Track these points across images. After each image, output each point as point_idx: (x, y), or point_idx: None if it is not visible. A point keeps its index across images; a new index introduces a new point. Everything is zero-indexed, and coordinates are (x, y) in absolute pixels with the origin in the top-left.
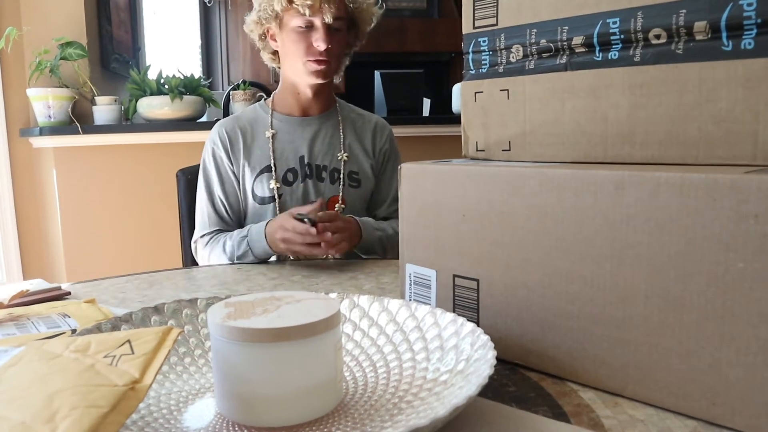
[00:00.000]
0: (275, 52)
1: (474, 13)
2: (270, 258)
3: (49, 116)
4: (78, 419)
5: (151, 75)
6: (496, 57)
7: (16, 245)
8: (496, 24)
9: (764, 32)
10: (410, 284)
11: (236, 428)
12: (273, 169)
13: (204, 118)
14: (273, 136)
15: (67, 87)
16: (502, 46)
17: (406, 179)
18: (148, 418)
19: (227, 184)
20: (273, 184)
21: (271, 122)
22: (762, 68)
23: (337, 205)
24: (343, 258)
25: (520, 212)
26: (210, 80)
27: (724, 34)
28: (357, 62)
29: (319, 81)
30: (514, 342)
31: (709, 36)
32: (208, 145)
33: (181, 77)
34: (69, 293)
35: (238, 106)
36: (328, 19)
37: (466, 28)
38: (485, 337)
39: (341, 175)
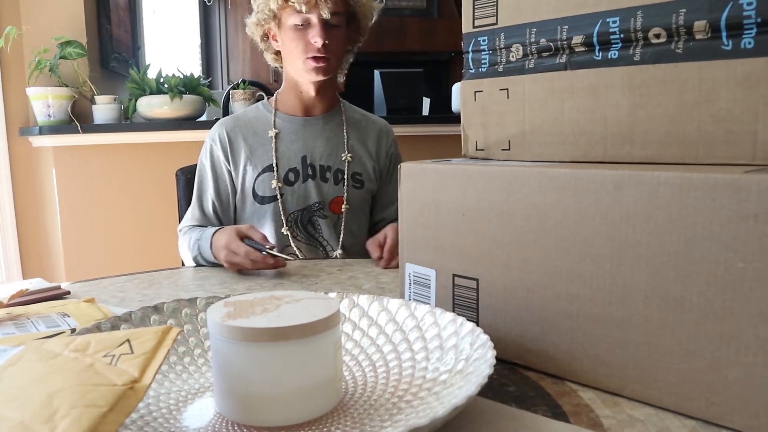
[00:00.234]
0: (278, 52)
1: (474, 13)
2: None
3: (49, 115)
4: (77, 419)
5: (151, 74)
6: (496, 56)
7: (16, 244)
8: (496, 23)
9: (764, 32)
10: (410, 284)
11: (235, 428)
12: (275, 168)
13: (203, 118)
14: (276, 135)
15: (66, 86)
16: (502, 46)
17: (405, 179)
18: (147, 418)
19: (221, 182)
20: (275, 184)
21: (274, 122)
22: (762, 68)
23: (343, 207)
24: (342, 257)
25: (520, 212)
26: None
27: (723, 34)
28: (357, 62)
29: (320, 78)
30: (513, 341)
31: (709, 35)
32: (207, 142)
33: (181, 76)
34: (68, 292)
35: (238, 105)
36: (326, 15)
37: (466, 27)
38: (485, 337)
39: (345, 176)
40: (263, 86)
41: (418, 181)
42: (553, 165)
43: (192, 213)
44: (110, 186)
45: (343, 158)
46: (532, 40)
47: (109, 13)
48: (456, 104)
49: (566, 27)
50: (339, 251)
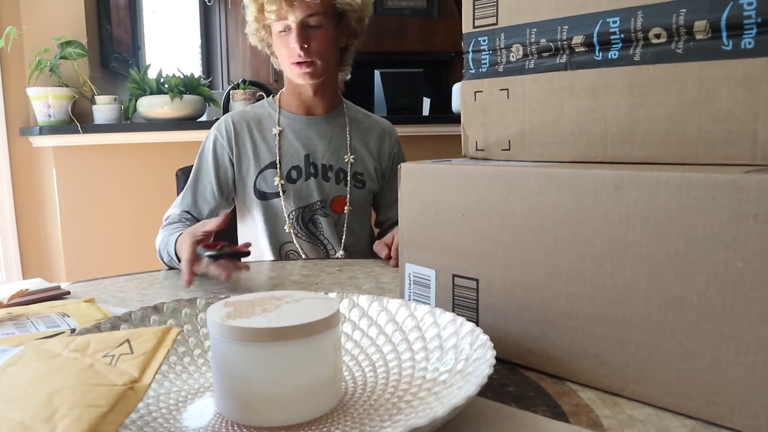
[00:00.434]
0: None
1: (474, 13)
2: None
3: (49, 115)
4: (77, 419)
5: (151, 74)
6: (496, 56)
7: (16, 244)
8: (496, 23)
9: (764, 32)
10: (410, 284)
11: (235, 428)
12: (278, 165)
13: (204, 118)
14: (280, 133)
15: (66, 86)
16: (502, 46)
17: (405, 179)
18: (147, 418)
19: (221, 172)
20: (277, 181)
21: (279, 119)
22: (762, 68)
23: (346, 208)
24: (343, 257)
25: (520, 212)
26: (210, 79)
27: (724, 34)
28: (357, 61)
29: (308, 81)
30: (513, 341)
31: (709, 35)
32: (212, 132)
33: (181, 76)
34: (68, 293)
35: (238, 105)
36: (298, 18)
37: (466, 27)
38: (484, 337)
39: (347, 176)
40: (263, 86)
41: (418, 181)
42: (553, 165)
43: (183, 198)
44: (110, 186)
45: (346, 159)
46: (533, 40)
47: (109, 13)
48: (456, 104)
49: (566, 27)
50: (341, 252)
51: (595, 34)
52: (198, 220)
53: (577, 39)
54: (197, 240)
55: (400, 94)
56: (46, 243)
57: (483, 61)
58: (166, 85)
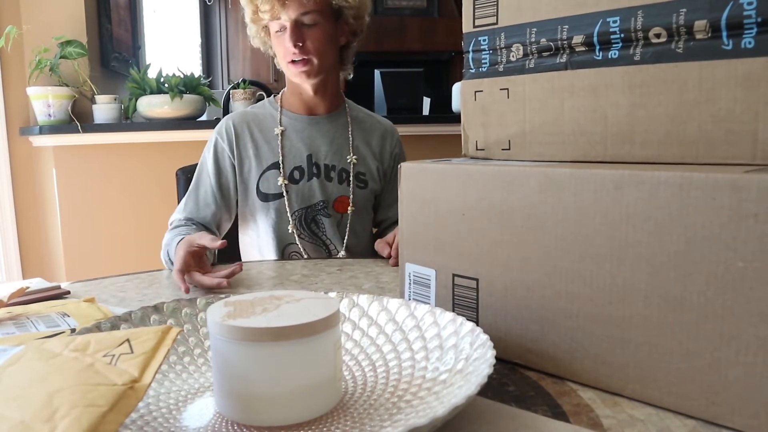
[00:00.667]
0: None
1: (474, 12)
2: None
3: (49, 115)
4: (77, 418)
5: (151, 74)
6: (496, 56)
7: (16, 244)
8: (496, 23)
9: (764, 31)
10: (410, 283)
11: (235, 427)
12: (281, 165)
13: (204, 117)
14: (282, 133)
15: (67, 86)
16: (502, 45)
17: (405, 178)
18: (147, 417)
19: (223, 176)
20: (281, 181)
21: (281, 119)
22: (762, 67)
23: (349, 208)
24: (344, 257)
25: (520, 211)
26: (210, 79)
27: (724, 33)
28: (357, 61)
29: (304, 80)
30: (513, 341)
31: (710, 35)
32: (214, 135)
33: (181, 76)
34: (68, 292)
35: (238, 104)
36: (291, 17)
37: (466, 27)
38: (484, 337)
39: (350, 176)
40: (264, 86)
41: (419, 181)
42: (554, 165)
43: (186, 204)
44: (110, 186)
45: (348, 160)
46: (533, 39)
47: (109, 12)
48: (456, 104)
49: (566, 27)
50: (343, 252)
51: (595, 34)
52: (202, 225)
53: (578, 39)
54: (191, 251)
55: (400, 94)
56: (46, 242)
57: (483, 61)
58: (166, 85)
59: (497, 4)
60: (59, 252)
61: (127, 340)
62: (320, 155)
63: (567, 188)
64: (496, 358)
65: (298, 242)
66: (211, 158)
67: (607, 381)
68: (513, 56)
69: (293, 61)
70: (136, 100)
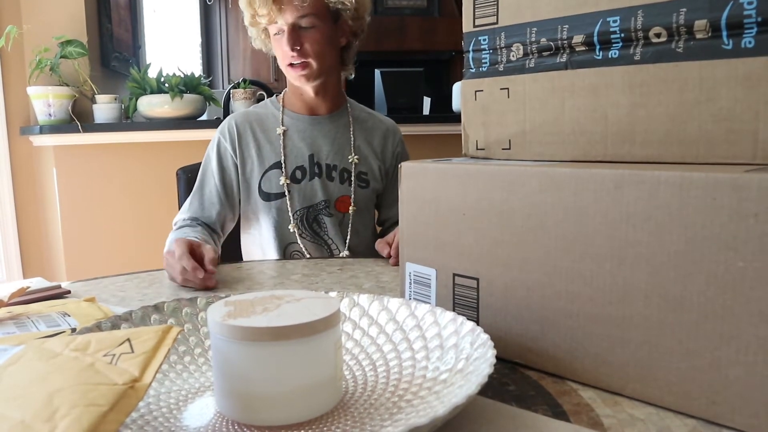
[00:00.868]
0: None
1: (474, 12)
2: None
3: (50, 114)
4: (77, 418)
5: (152, 73)
6: (497, 55)
7: (16, 244)
8: (497, 23)
9: (764, 31)
10: (410, 283)
11: (236, 427)
12: (283, 165)
13: (204, 117)
14: (284, 133)
15: (67, 85)
16: (503, 45)
17: (406, 178)
18: (147, 417)
19: (226, 175)
20: (283, 180)
21: (282, 119)
22: (762, 67)
23: (351, 208)
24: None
25: (520, 211)
26: (210, 78)
27: (724, 33)
28: (357, 61)
29: (303, 84)
30: (513, 341)
31: (710, 35)
32: (216, 135)
33: (182, 75)
34: (69, 292)
35: (239, 104)
36: (288, 20)
37: (467, 26)
38: (485, 336)
39: (351, 176)
40: (264, 85)
41: (419, 181)
42: (554, 164)
43: (191, 204)
44: (111, 185)
45: (350, 160)
46: (533, 39)
47: (109, 12)
48: (456, 103)
49: (567, 26)
50: (346, 252)
51: (595, 34)
52: (207, 225)
53: (578, 38)
54: (192, 244)
55: (400, 94)
56: (46, 242)
57: (483, 61)
58: (166, 84)
59: (497, 4)
60: (60, 251)
61: (128, 340)
62: (322, 155)
63: (567, 188)
64: (497, 357)
65: (299, 242)
66: (214, 158)
67: (608, 380)
68: (513, 56)
69: (292, 65)
70: (137, 100)
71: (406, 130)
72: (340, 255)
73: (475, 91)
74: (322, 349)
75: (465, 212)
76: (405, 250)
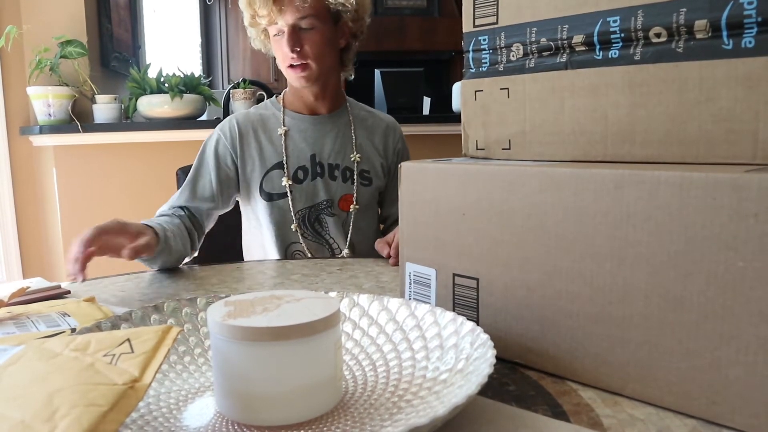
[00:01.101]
0: None
1: (474, 12)
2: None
3: (49, 115)
4: (77, 418)
5: (151, 73)
6: (497, 55)
7: (16, 244)
8: (497, 23)
9: (765, 31)
10: (410, 283)
11: (236, 427)
12: (285, 166)
13: (204, 117)
14: (285, 133)
15: (67, 85)
16: (503, 45)
17: (405, 178)
18: (147, 417)
19: (222, 172)
20: (285, 181)
21: (283, 119)
22: (762, 67)
23: (352, 206)
24: (347, 257)
25: (520, 211)
26: (210, 79)
27: (724, 33)
28: (357, 61)
29: (303, 85)
30: (513, 341)
31: (710, 35)
32: (216, 132)
33: (181, 76)
34: (68, 292)
35: (239, 104)
36: (288, 22)
37: (467, 26)
38: (485, 336)
39: (354, 175)
40: (264, 85)
41: (419, 181)
42: (554, 164)
43: (181, 194)
44: (111, 185)
45: (352, 158)
46: (533, 39)
47: (109, 12)
48: (456, 103)
49: (567, 26)
50: (346, 251)
51: (595, 34)
52: (193, 216)
53: (578, 38)
54: (109, 231)
55: (400, 94)
56: (46, 242)
57: (483, 61)
58: (166, 85)
59: (497, 4)
60: (59, 251)
61: (128, 340)
62: (324, 154)
63: (567, 188)
64: (497, 357)
65: (301, 241)
66: (212, 154)
67: (608, 380)
68: (513, 56)
69: (292, 66)
70: (137, 100)
71: (406, 130)
72: (342, 253)
73: (475, 91)
74: (322, 349)
75: (465, 212)
76: (405, 250)
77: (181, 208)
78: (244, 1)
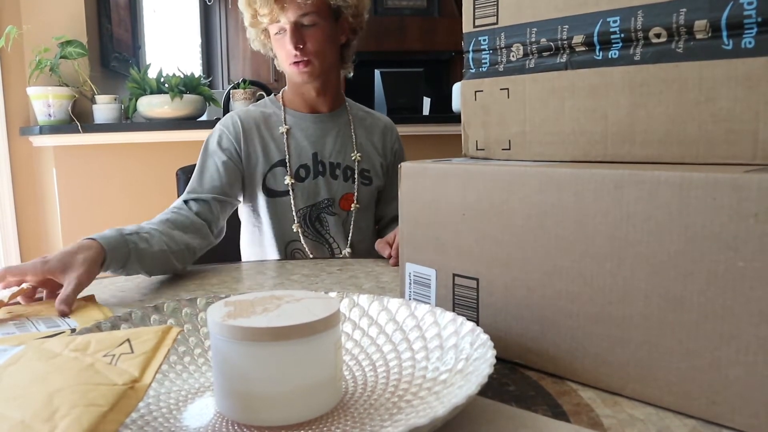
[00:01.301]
0: None
1: (474, 12)
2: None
3: (49, 115)
4: (77, 418)
5: (151, 74)
6: (497, 56)
7: (16, 244)
8: (497, 23)
9: (764, 31)
10: (410, 283)
11: (236, 427)
12: (287, 164)
13: (204, 117)
14: (287, 131)
15: (67, 86)
16: (503, 45)
17: (405, 178)
18: (147, 417)
19: (227, 162)
20: (288, 180)
21: (285, 118)
22: (762, 67)
23: (352, 205)
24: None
25: (520, 211)
26: (210, 79)
27: (724, 33)
28: (357, 61)
29: (306, 81)
30: (513, 341)
31: (710, 35)
32: (219, 128)
33: (181, 76)
34: None
35: (239, 104)
36: (290, 19)
37: (467, 26)
38: (485, 336)
39: (355, 174)
40: (264, 86)
41: (419, 181)
42: (554, 164)
43: (188, 189)
44: (111, 186)
45: (353, 157)
46: (533, 39)
47: (109, 12)
48: (456, 104)
49: (567, 26)
50: (348, 250)
51: (595, 34)
52: (203, 207)
53: (578, 38)
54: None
55: (400, 94)
56: (46, 242)
57: (483, 61)
58: (166, 85)
59: (497, 4)
60: None
61: (128, 340)
62: (325, 153)
63: (567, 188)
64: (497, 357)
65: (301, 240)
66: (215, 145)
67: (608, 380)
68: (513, 56)
69: (295, 63)
70: (137, 100)
71: (406, 130)
72: (342, 253)
73: (475, 92)
74: (322, 349)
75: (465, 212)
76: (405, 250)
77: (186, 203)
78: (244, 1)
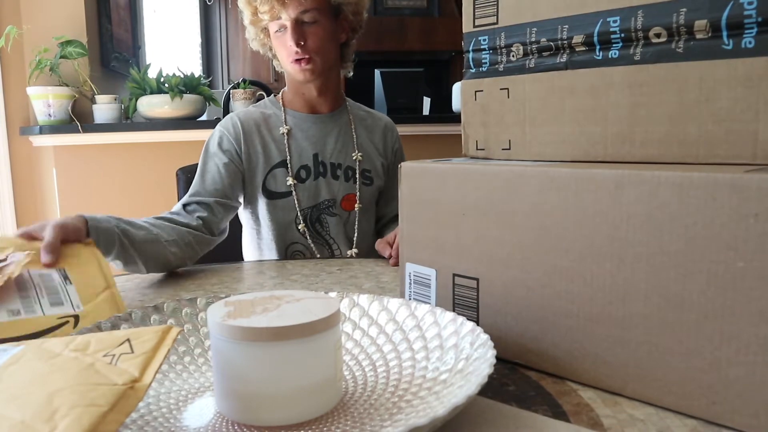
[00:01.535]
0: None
1: (474, 12)
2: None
3: (49, 115)
4: (77, 418)
5: (151, 73)
6: (497, 56)
7: None
8: (497, 23)
9: (765, 31)
10: (410, 283)
11: (236, 427)
12: (288, 165)
13: (204, 117)
14: (288, 132)
15: (67, 85)
16: (503, 45)
17: (405, 178)
18: (147, 417)
19: (229, 163)
20: (290, 180)
21: (285, 118)
22: (762, 67)
23: (356, 206)
24: (350, 257)
25: (520, 211)
26: (210, 79)
27: (724, 33)
28: (357, 61)
29: (308, 78)
30: (513, 341)
31: (710, 35)
32: (218, 129)
33: (181, 76)
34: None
35: (239, 104)
36: (291, 16)
37: (467, 26)
38: (485, 336)
39: (356, 174)
40: (264, 86)
41: (419, 181)
42: (554, 164)
43: (191, 191)
44: (111, 186)
45: (354, 157)
46: (533, 39)
47: (109, 12)
48: (456, 104)
49: (567, 26)
50: (355, 250)
51: (595, 34)
52: (205, 210)
53: (578, 38)
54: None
55: (400, 94)
56: None
57: (483, 61)
58: (166, 85)
59: (497, 4)
60: None
61: (128, 340)
62: (326, 153)
63: (567, 188)
64: (497, 357)
65: (308, 239)
66: (217, 148)
67: (608, 380)
68: (513, 56)
69: (296, 60)
70: (137, 100)
71: (406, 130)
72: (349, 254)
73: (475, 91)
74: (322, 349)
75: (465, 212)
76: (405, 250)
77: (186, 207)
78: None
